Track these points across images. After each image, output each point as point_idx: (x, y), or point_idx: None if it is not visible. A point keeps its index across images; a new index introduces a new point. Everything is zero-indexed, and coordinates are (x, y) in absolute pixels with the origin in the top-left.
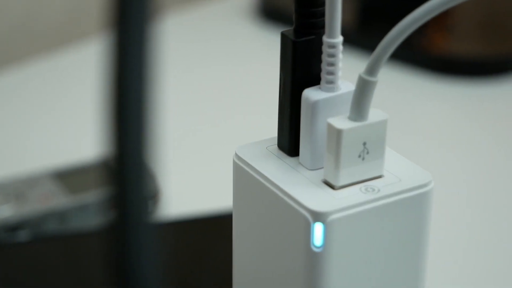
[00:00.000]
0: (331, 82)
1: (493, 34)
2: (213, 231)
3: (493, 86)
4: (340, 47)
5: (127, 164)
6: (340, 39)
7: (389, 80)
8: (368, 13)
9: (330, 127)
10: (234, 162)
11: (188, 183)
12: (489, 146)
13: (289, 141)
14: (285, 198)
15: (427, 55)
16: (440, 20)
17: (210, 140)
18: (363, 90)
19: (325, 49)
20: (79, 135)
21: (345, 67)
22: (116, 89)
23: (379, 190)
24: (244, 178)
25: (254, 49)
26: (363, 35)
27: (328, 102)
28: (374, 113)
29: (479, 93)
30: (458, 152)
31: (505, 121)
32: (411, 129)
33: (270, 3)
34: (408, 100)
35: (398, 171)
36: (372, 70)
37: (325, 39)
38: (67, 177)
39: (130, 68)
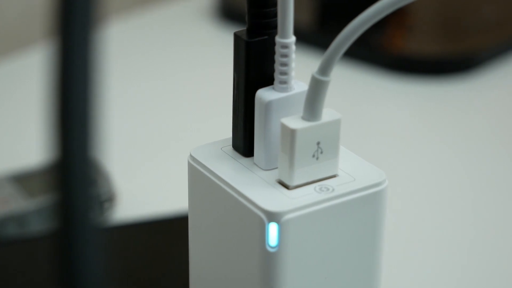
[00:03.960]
0: (284, 82)
1: (451, 33)
2: (169, 233)
3: (451, 85)
4: (293, 47)
5: (71, 167)
6: (292, 39)
7: (348, 79)
8: (326, 13)
9: (283, 127)
10: (189, 164)
11: (143, 185)
12: (447, 145)
13: (244, 141)
14: (240, 198)
15: (386, 54)
16: (399, 19)
17: (165, 142)
18: (316, 90)
19: (278, 49)
20: (37, 137)
21: (304, 67)
22: (60, 92)
23: (333, 190)
24: (199, 179)
25: (213, 50)
26: (321, 35)
27: (282, 102)
28: (328, 113)
29: (437, 92)
30: (416, 151)
31: (463, 120)
32: (369, 129)
33: (229, 4)
34: (367, 99)
35: (352, 170)
36: (324, 70)
37: (277, 39)
38: (26, 181)
39: (74, 73)
